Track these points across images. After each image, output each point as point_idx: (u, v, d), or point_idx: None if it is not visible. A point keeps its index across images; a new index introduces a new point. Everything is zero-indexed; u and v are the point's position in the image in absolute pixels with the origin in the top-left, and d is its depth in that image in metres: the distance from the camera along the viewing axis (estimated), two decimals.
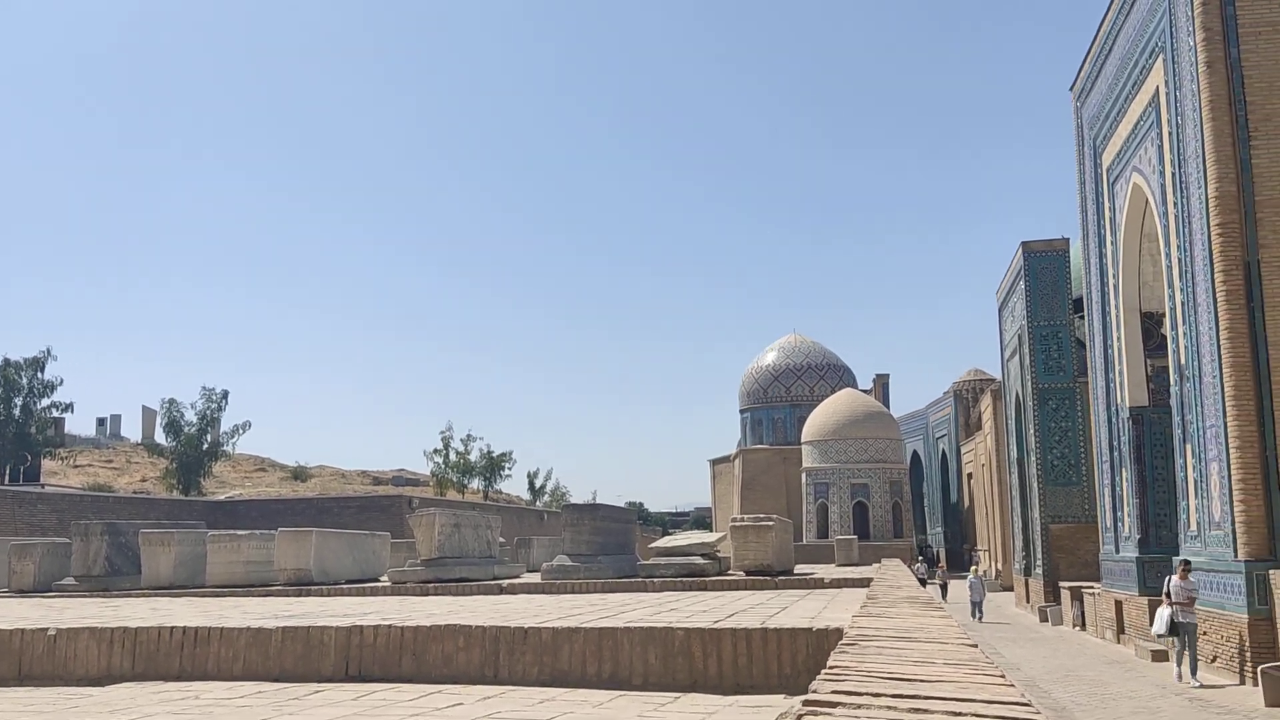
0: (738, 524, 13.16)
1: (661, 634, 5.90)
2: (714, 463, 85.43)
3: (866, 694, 1.60)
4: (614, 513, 15.24)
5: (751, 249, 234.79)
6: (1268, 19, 16.76)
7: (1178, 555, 19.95)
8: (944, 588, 39.87)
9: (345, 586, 14.51)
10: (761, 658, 5.65)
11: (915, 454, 73.76)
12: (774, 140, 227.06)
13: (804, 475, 62.03)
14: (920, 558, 55.43)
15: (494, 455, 70.80)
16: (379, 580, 15.98)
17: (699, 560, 13.05)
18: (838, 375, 74.65)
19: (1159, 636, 17.92)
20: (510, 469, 71.89)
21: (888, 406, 71.93)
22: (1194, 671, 16.74)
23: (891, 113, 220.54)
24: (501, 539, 18.23)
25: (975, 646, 2.52)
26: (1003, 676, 1.78)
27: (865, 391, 72.47)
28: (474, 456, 69.49)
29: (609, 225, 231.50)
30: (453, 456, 68.51)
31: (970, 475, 61.14)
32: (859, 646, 2.47)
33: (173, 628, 6.97)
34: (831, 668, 1.94)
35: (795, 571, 14.24)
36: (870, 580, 9.52)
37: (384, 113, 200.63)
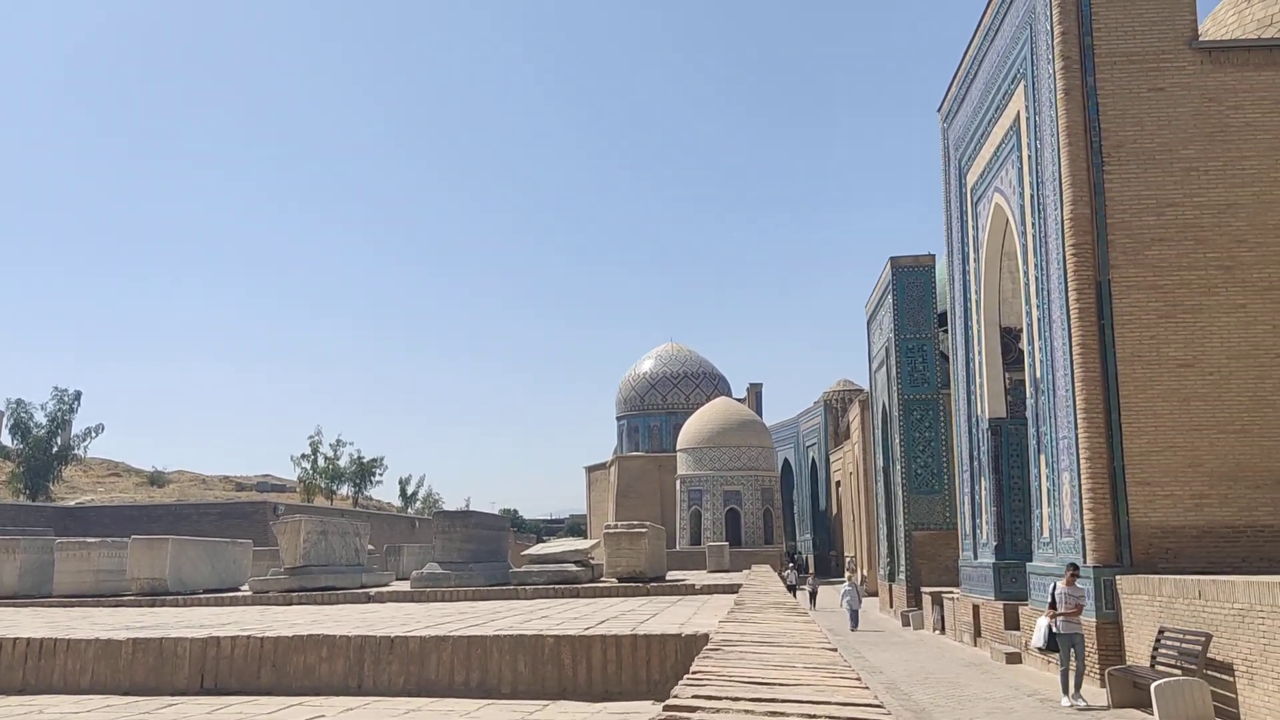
0: (611, 531, 13.19)
1: (531, 642, 5.86)
2: (590, 470, 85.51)
3: (726, 698, 1.61)
4: (486, 520, 15.09)
5: (630, 256, 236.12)
6: (1122, 50, 17.66)
7: (1031, 561, 20.80)
8: (814, 594, 40.72)
9: (203, 596, 14.00)
10: (631, 664, 5.67)
11: (786, 462, 75.23)
12: (654, 150, 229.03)
13: (679, 482, 62.59)
14: (791, 564, 56.49)
15: (364, 461, 69.42)
16: (240, 590, 15.46)
17: (572, 567, 13.02)
18: (713, 384, 75.62)
19: (1038, 651, 16.40)
20: (381, 475, 70.63)
21: (761, 415, 73.18)
22: (1079, 687, 15.29)
23: (769, 126, 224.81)
24: (371, 546, 17.85)
25: (835, 651, 2.57)
26: (859, 679, 1.82)
27: (739, 400, 73.63)
28: (344, 462, 68.00)
29: (486, 229, 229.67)
30: (321, 462, 66.90)
31: (839, 483, 62.65)
32: (723, 651, 2.49)
33: (15, 639, 6.60)
34: (694, 673, 1.95)
35: (668, 578, 14.33)
36: (739, 586, 9.65)
37: (226, 98, 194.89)
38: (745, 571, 16.88)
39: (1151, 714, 13.37)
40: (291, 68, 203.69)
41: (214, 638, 6.47)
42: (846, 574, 38.37)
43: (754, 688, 1.70)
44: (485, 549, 14.02)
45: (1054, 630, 15.65)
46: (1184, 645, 13.94)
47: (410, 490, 78.63)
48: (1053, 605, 15.81)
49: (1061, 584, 15.95)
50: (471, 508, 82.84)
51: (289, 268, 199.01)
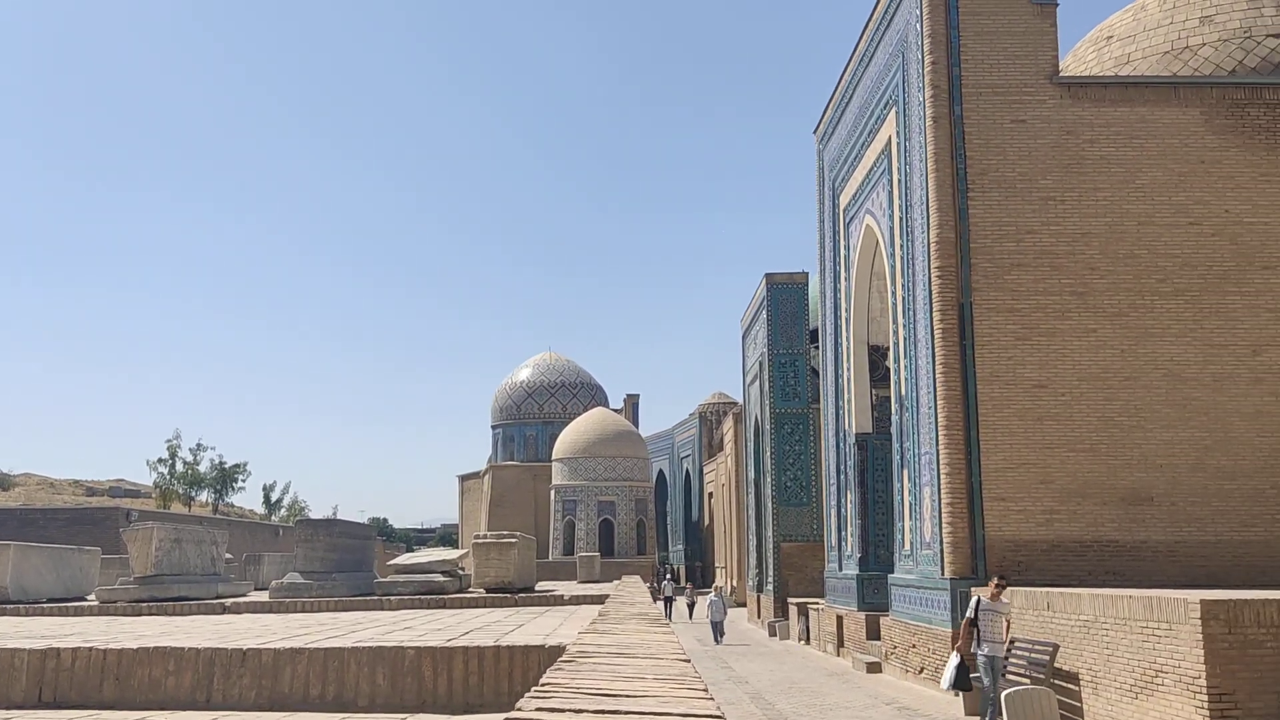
0: (480, 541, 13.03)
1: (391, 654, 5.73)
2: (463, 479, 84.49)
3: (569, 710, 1.59)
4: (351, 528, 14.73)
5: (509, 267, 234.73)
6: (987, 82, 18.39)
7: (893, 573, 21.39)
8: (692, 606, 40.95)
9: (47, 605, 13.29)
10: (494, 676, 5.59)
11: (661, 473, 75.72)
12: (537, 163, 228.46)
13: (553, 492, 62.37)
14: (668, 575, 56.86)
15: (226, 466, 67.11)
16: (86, 599, 14.73)
17: (439, 578, 12.81)
18: (590, 394, 75.64)
19: (949, 690, 14.33)
20: (244, 482, 68.42)
21: (637, 426, 73.54)
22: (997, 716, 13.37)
23: (647, 146, 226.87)
24: (229, 555, 17.24)
25: (688, 662, 2.58)
26: (705, 691, 1.82)
27: (616, 411, 73.84)
28: (204, 467, 65.65)
29: (364, 235, 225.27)
30: (180, 467, 64.43)
31: (711, 495, 63.37)
32: (577, 663, 2.48)
33: None
34: (543, 685, 1.93)
35: (537, 588, 14.24)
36: (607, 597, 9.64)
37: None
38: (615, 582, 16.90)
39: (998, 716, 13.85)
40: (159, 43, 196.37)
41: (54, 649, 6.14)
42: (713, 585, 38.56)
43: (600, 699, 1.68)
44: (350, 558, 13.69)
45: (977, 655, 13.58)
46: (1033, 655, 14.51)
47: (275, 497, 76.38)
48: (971, 623, 13.84)
49: (985, 596, 14.08)
50: (339, 516, 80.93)
51: (145, 259, 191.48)
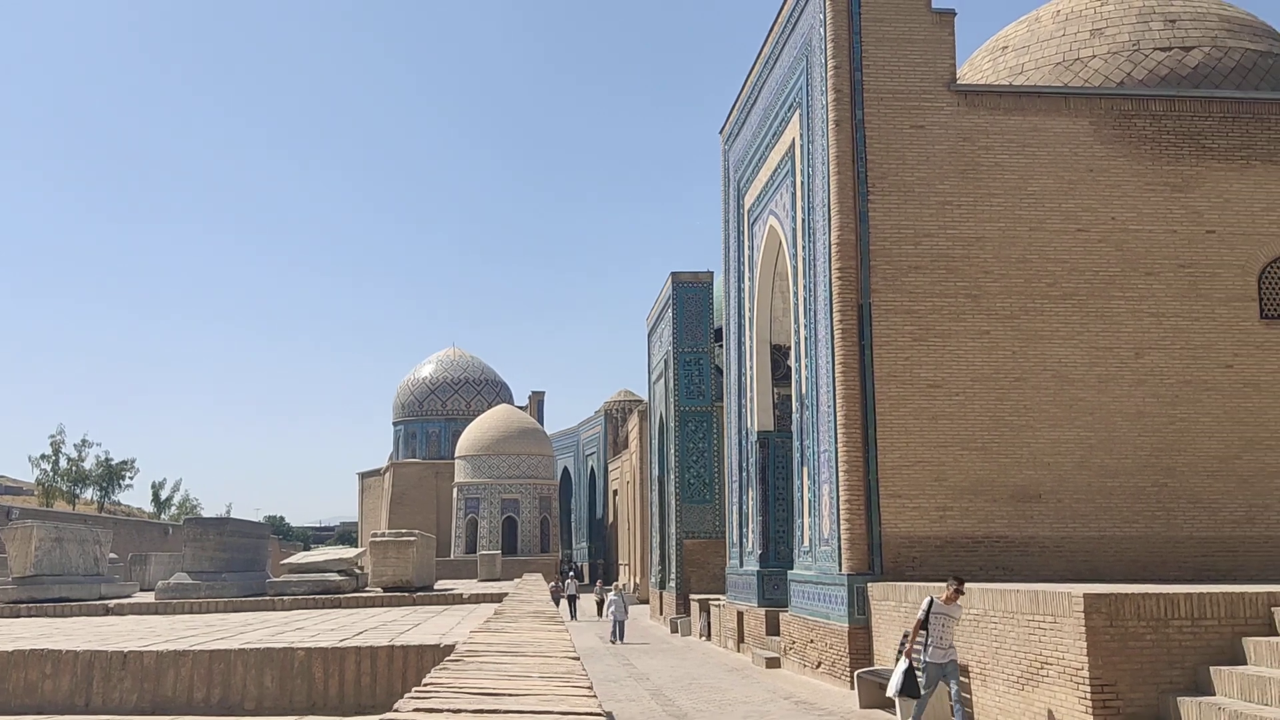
0: (377, 540, 12.82)
1: (280, 655, 5.58)
2: (363, 476, 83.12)
3: (448, 710, 1.56)
4: (243, 527, 14.35)
5: (412, 261, 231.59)
6: (889, 87, 18.76)
7: (792, 569, 21.70)
8: (601, 603, 40.86)
9: None
10: (386, 677, 5.49)
11: (566, 470, 75.55)
12: (444, 164, 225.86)
13: (456, 490, 61.74)
14: (571, 573, 56.75)
15: (113, 463, 64.83)
16: None
17: (335, 577, 12.55)
18: (495, 391, 75.07)
19: (896, 696, 13.14)
20: (132, 479, 66.17)
21: (542, 423, 73.25)
22: None
23: (555, 144, 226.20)
24: (114, 555, 16.64)
25: (577, 659, 2.56)
26: (589, 689, 1.81)
27: (521, 408, 73.42)
28: (89, 464, 63.30)
29: (263, 222, 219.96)
30: (63, 463, 62.03)
31: (616, 492, 63.48)
32: (464, 662, 2.43)
33: None
34: (425, 685, 1.89)
35: (436, 587, 14.06)
36: (506, 595, 9.57)
37: None
38: (516, 581, 16.79)
39: (895, 714, 14.16)
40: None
41: None
42: (614, 583, 38.25)
43: (480, 699, 1.65)
44: (241, 558, 13.32)
45: (921, 664, 12.46)
46: None
47: (164, 496, 74.06)
48: (922, 625, 12.58)
49: (940, 599, 12.66)
50: (232, 515, 78.81)
51: (25, 248, 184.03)
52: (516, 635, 3.22)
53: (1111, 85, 19.91)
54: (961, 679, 14.16)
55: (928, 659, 12.50)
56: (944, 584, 13.60)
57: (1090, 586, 12.89)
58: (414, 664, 5.29)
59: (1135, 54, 20.35)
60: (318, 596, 11.66)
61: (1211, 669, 10.99)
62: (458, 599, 11.67)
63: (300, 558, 13.81)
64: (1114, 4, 21.33)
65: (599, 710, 1.66)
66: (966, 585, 13.21)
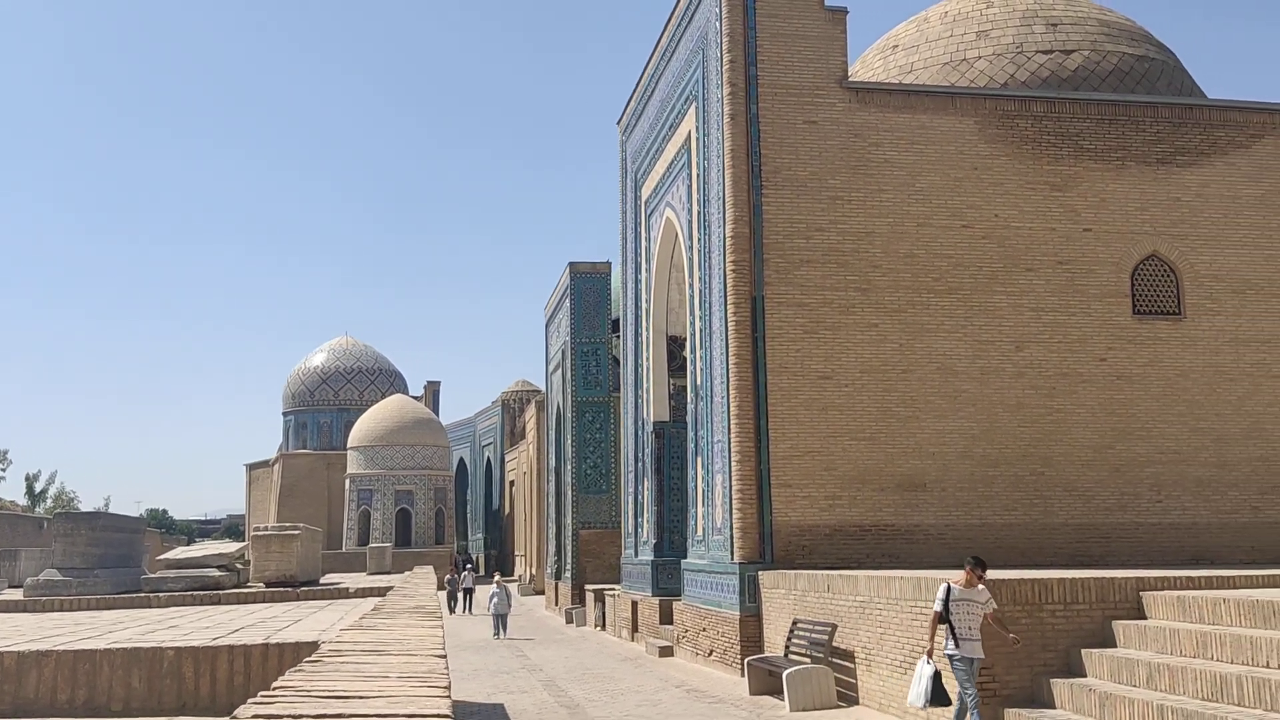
0: (260, 534, 12.49)
1: (149, 655, 5.38)
2: (251, 467, 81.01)
3: (289, 716, 1.51)
4: (118, 521, 13.83)
5: (304, 247, 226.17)
6: (782, 82, 18.98)
7: (685, 558, 21.87)
8: (508, 594, 40.42)
9: None
10: (261, 676, 5.34)
11: (462, 461, 74.82)
12: (331, 141, 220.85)
13: (348, 482, 60.63)
14: (468, 565, 56.23)
15: None
16: None
17: (215, 573, 12.19)
18: (389, 381, 73.88)
19: (922, 707, 10.91)
20: (4, 470, 63.28)
21: (437, 414, 72.35)
22: None
23: (448, 129, 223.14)
24: None
25: (443, 657, 2.51)
26: (445, 689, 1.77)
27: (416, 398, 72.41)
28: None
29: (142, 203, 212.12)
30: None
31: (513, 483, 63.12)
32: (323, 663, 2.37)
33: None
34: (274, 688, 1.83)
35: (323, 581, 13.77)
36: (391, 589, 9.41)
37: None
38: (406, 574, 16.55)
39: (783, 700, 14.40)
40: None
41: None
42: (495, 577, 36.93)
43: (326, 703, 1.60)
44: (115, 553, 12.83)
45: (950, 656, 10.61)
46: (814, 635, 15.14)
47: (39, 488, 71.05)
48: (942, 618, 10.76)
49: (957, 585, 10.90)
50: (111, 508, 75.99)
51: None
52: (388, 632, 3.15)
53: (996, 86, 20.50)
54: (847, 664, 14.49)
55: (961, 653, 10.53)
56: (836, 571, 13.81)
57: None
58: (289, 662, 5.15)
59: (1018, 56, 20.99)
60: (196, 593, 11.30)
61: (1083, 651, 11.44)
62: (344, 593, 11.45)
63: (178, 553, 13.38)
64: (999, 7, 21.96)
65: (448, 713, 1.63)
66: (986, 568, 11.16)
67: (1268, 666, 9.50)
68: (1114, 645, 11.57)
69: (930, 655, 10.75)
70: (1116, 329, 19.24)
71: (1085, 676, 11.25)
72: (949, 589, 10.80)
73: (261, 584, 12.43)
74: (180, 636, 6.14)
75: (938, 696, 10.58)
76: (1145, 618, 11.70)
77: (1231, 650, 9.99)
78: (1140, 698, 9.93)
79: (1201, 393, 19.30)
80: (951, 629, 10.59)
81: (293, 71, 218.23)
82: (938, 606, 10.74)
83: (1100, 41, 21.43)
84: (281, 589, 11.72)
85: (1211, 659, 10.16)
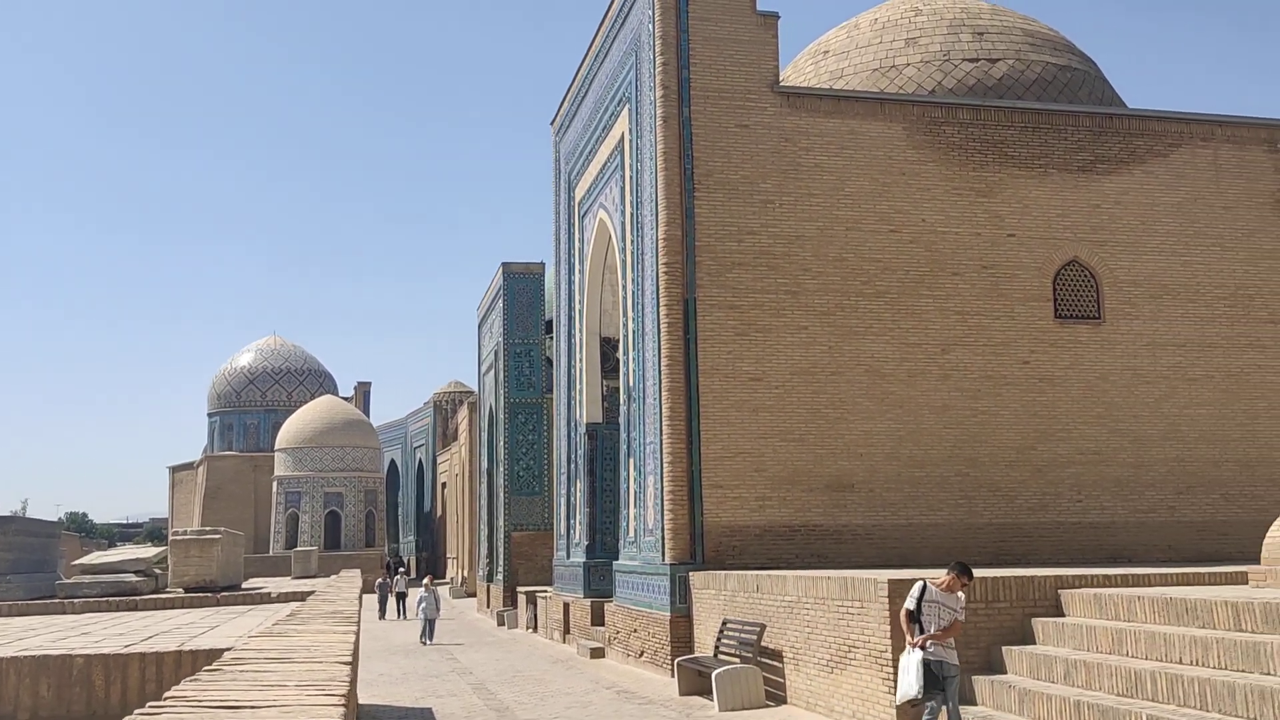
0: (179, 538, 12.21)
1: (57, 662, 5.23)
2: (175, 470, 79.28)
3: None
4: (31, 525, 13.43)
5: (231, 245, 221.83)
6: (714, 86, 19.07)
7: (617, 560, 21.87)
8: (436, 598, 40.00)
9: None
10: (174, 683, 5.21)
11: (393, 463, 74.01)
12: (262, 138, 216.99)
13: (276, 484, 59.59)
14: (400, 569, 55.58)
15: None
16: None
17: (132, 577, 11.88)
18: (318, 381, 72.82)
19: (911, 703, 10.40)
20: None
21: (368, 415, 71.47)
22: None
23: (383, 130, 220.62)
24: None
25: (348, 665, 2.47)
26: (341, 698, 1.74)
27: (346, 399, 71.46)
28: None
29: (59, 187, 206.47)
30: None
31: (445, 485, 62.60)
32: (223, 670, 2.32)
33: None
34: (165, 698, 1.78)
35: (245, 586, 13.51)
36: (313, 594, 9.26)
37: None
38: (331, 578, 16.32)
39: (713, 701, 14.47)
40: None
41: None
42: (425, 580, 36.09)
43: (215, 713, 1.57)
44: (30, 558, 12.47)
45: (931, 663, 10.05)
46: (743, 635, 15.23)
47: None
48: (912, 617, 10.34)
49: (936, 586, 10.49)
50: (29, 512, 73.87)
51: None
52: (299, 639, 3.09)
53: (924, 93, 20.82)
54: (775, 664, 14.60)
55: (928, 654, 10.06)
56: (765, 572, 13.87)
57: (896, 572, 13.47)
58: (204, 668, 5.05)
59: (946, 64, 21.35)
60: (112, 599, 10.98)
61: (1004, 649, 11.66)
62: (265, 598, 11.24)
63: (95, 558, 13.02)
64: (927, 15, 22.32)
65: None
66: (970, 576, 10.73)
67: (1180, 663, 9.77)
68: (1033, 642, 11.81)
69: (914, 644, 10.13)
70: (1039, 332, 19.65)
71: (1005, 673, 11.47)
72: (925, 588, 10.40)
73: (180, 589, 12.15)
74: (92, 644, 5.98)
75: (930, 682, 10.02)
76: (1064, 615, 11.97)
77: (1145, 647, 10.26)
78: (1058, 694, 10.15)
79: (1120, 395, 19.80)
80: (920, 630, 10.22)
81: (220, 70, 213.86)
82: (910, 605, 10.39)
83: (1025, 51, 21.89)
84: (201, 594, 11.47)
85: (1126, 655, 10.42)
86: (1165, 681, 9.36)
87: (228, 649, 5.17)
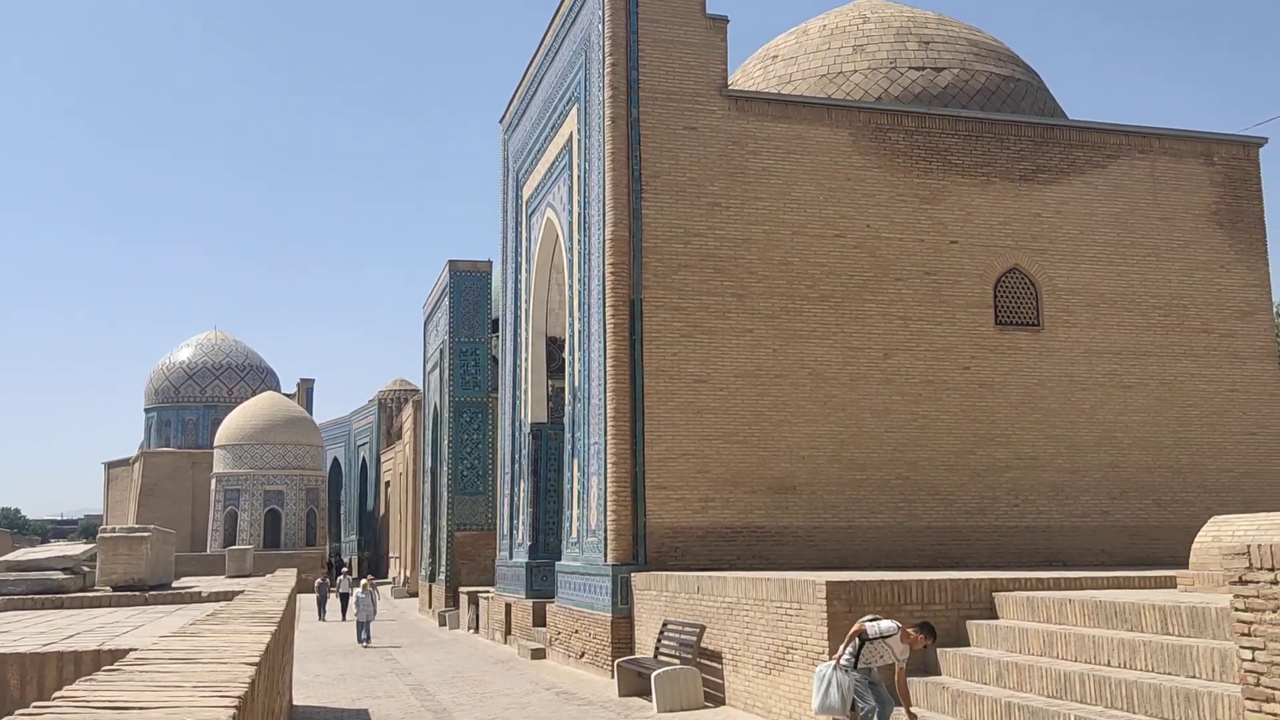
0: (107, 535, 11.95)
1: None
2: (111, 465, 77.72)
3: None
4: None
5: (169, 234, 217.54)
6: (663, 87, 19.09)
7: (560, 560, 21.79)
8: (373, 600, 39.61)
9: None
10: None
11: (336, 461, 73.17)
12: (206, 132, 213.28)
13: (214, 481, 58.63)
14: (344, 569, 54.90)
15: None
16: None
17: (59, 575, 11.60)
18: (260, 377, 71.76)
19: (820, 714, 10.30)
20: None
21: (311, 412, 70.61)
22: None
23: (327, 123, 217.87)
24: None
25: (254, 665, 2.42)
26: (236, 700, 1.69)
27: (289, 396, 70.51)
28: None
29: (10, 187, 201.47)
30: None
31: (389, 483, 62.00)
32: (121, 670, 2.25)
33: None
34: (54, 698, 1.73)
35: (177, 585, 13.25)
36: (242, 593, 9.11)
37: None
38: (266, 577, 16.06)
39: (652, 702, 14.46)
40: None
41: None
42: (363, 580, 34.73)
43: (98, 714, 1.52)
44: None
45: (844, 666, 10.04)
46: (683, 636, 15.25)
47: None
48: (861, 638, 10.13)
49: (897, 635, 10.16)
50: None
51: None
52: (212, 639, 3.02)
53: (870, 100, 21.01)
54: (715, 665, 14.62)
55: (860, 671, 9.99)
56: (706, 573, 13.86)
57: (834, 574, 13.56)
58: (101, 670, 4.93)
59: (892, 71, 21.57)
60: (37, 596, 10.70)
61: (939, 650, 11.77)
62: (195, 598, 11.04)
63: (21, 554, 12.71)
64: (875, 23, 22.53)
65: None
66: (931, 638, 10.46)
67: (1108, 665, 9.94)
68: (968, 644, 11.95)
69: (836, 662, 10.13)
70: (979, 338, 19.92)
71: (940, 675, 11.59)
72: (884, 628, 10.09)
73: (109, 588, 11.89)
74: (10, 642, 5.81)
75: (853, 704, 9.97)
76: (997, 618, 12.13)
77: (1075, 649, 10.42)
78: (990, 695, 10.27)
79: (1057, 401, 20.13)
80: (857, 653, 10.04)
81: (159, 53, 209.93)
82: (866, 624, 10.17)
83: (970, 61, 22.18)
84: (129, 593, 11.23)
85: (1057, 658, 10.58)
86: (1094, 683, 9.52)
87: (148, 649, 5.05)
